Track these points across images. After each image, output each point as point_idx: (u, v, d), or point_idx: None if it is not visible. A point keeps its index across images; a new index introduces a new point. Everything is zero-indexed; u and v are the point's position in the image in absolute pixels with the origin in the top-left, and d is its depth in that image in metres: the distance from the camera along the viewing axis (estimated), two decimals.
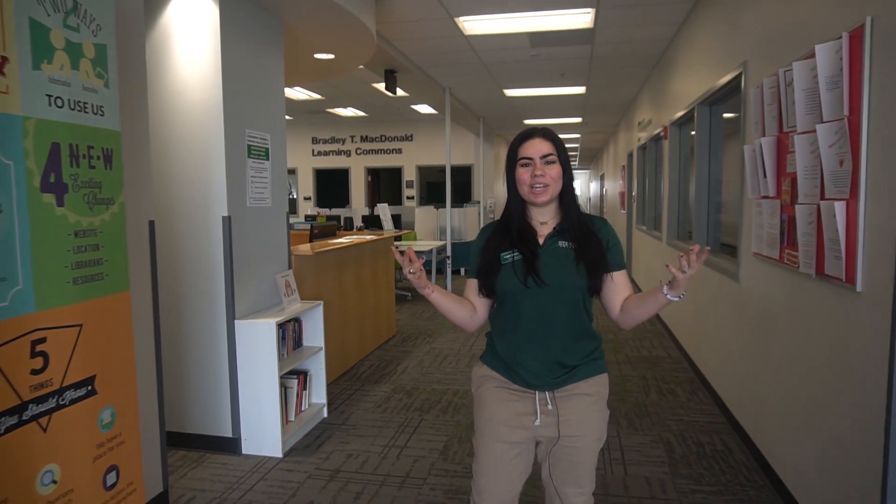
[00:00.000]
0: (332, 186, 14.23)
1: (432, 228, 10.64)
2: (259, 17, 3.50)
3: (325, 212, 12.52)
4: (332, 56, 4.88)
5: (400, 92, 7.93)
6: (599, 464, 3.14)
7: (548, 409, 1.69)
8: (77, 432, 1.88)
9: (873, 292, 1.98)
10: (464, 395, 4.24)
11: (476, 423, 1.80)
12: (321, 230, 6.18)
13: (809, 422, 2.49)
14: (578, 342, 1.70)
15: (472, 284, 1.78)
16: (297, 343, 3.72)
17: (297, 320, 3.67)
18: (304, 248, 4.44)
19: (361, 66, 6.13)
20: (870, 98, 1.97)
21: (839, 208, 2.10)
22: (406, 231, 9.97)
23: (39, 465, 1.74)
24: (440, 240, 9.95)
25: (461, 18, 5.11)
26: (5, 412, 1.62)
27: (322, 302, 3.79)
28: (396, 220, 9.67)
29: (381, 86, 7.32)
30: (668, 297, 1.54)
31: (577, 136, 14.94)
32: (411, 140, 13.64)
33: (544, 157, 1.66)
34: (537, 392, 1.70)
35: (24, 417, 1.69)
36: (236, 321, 3.27)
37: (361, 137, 13.84)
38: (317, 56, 4.86)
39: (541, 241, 1.71)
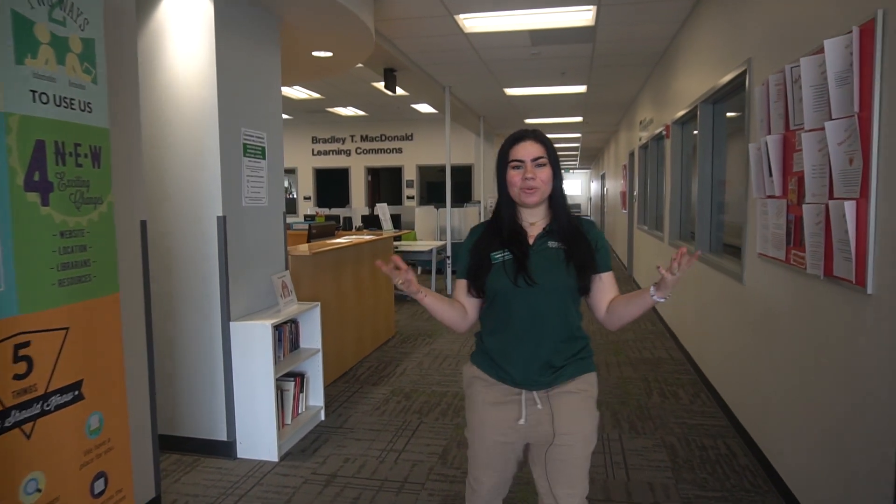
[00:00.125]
0: (332, 186, 14.17)
1: (432, 228, 10.58)
2: (255, 14, 3.45)
3: (325, 211, 12.47)
4: (330, 54, 4.83)
5: (400, 91, 7.87)
6: (601, 469, 3.08)
7: (536, 409, 1.71)
8: (63, 439, 1.82)
9: (884, 295, 1.92)
10: (463, 397, 4.17)
11: (468, 420, 1.84)
12: (319, 230, 6.12)
13: (816, 427, 2.43)
14: (567, 342, 1.72)
15: (462, 285, 1.80)
16: (294, 345, 3.66)
17: (293, 322, 3.61)
18: (302, 248, 4.38)
19: (360, 65, 6.07)
20: (881, 94, 1.91)
21: (849, 208, 2.04)
22: (406, 231, 9.91)
23: (23, 472, 1.68)
24: (440, 240, 9.90)
25: (461, 16, 5.05)
26: None
27: (319, 303, 3.74)
28: (396, 219, 9.61)
29: (381, 85, 7.26)
30: (655, 297, 1.58)
31: (578, 135, 14.87)
32: (411, 139, 13.58)
33: (535, 159, 1.70)
34: (524, 391, 1.72)
35: (7, 424, 1.63)
36: (231, 323, 3.21)
37: (361, 137, 13.78)
38: (315, 54, 4.81)
39: (531, 241, 1.74)
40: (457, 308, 1.79)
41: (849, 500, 2.15)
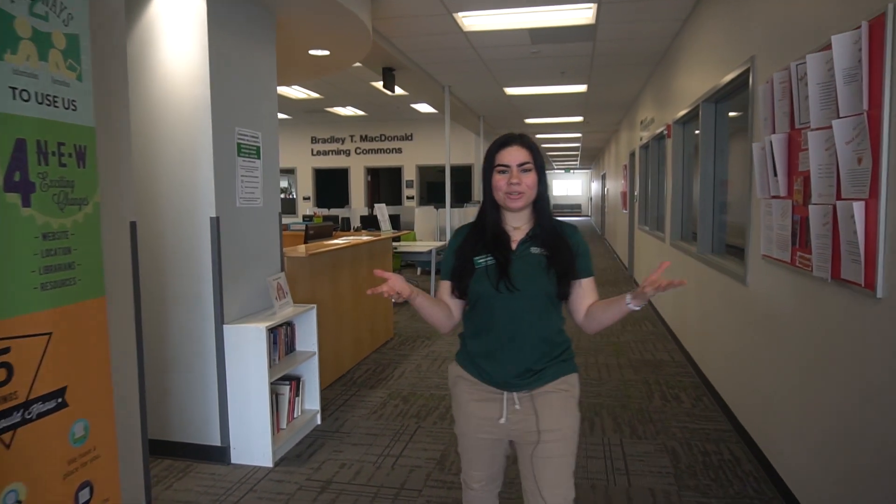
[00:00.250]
0: (331, 186, 14.12)
1: (432, 228, 10.52)
2: (249, 11, 3.38)
3: (324, 212, 12.39)
4: (327, 52, 4.77)
5: (399, 90, 7.81)
6: (602, 475, 3.02)
7: (515, 409, 1.75)
8: (45, 448, 1.76)
9: (895, 298, 1.86)
10: None
11: (455, 417, 1.89)
12: (317, 231, 6.05)
13: (822, 434, 2.37)
14: (548, 346, 1.76)
15: (446, 286, 1.84)
16: (290, 348, 3.60)
17: (289, 324, 3.55)
18: (299, 249, 4.32)
19: (358, 64, 6.01)
20: (892, 90, 1.84)
21: (858, 209, 1.98)
22: (405, 231, 9.84)
23: (2, 484, 1.62)
24: (440, 240, 9.84)
25: (460, 14, 4.99)
26: None
27: (315, 305, 3.68)
28: (396, 220, 9.54)
29: (380, 84, 7.20)
30: (630, 306, 1.63)
31: (579, 135, 14.81)
32: (411, 139, 13.52)
33: (521, 164, 1.72)
34: (506, 392, 1.76)
35: None
36: (225, 325, 3.15)
37: (361, 137, 13.72)
38: (312, 52, 4.75)
39: (514, 245, 1.77)
40: (443, 308, 1.82)
41: (849, 501, 2.09)
